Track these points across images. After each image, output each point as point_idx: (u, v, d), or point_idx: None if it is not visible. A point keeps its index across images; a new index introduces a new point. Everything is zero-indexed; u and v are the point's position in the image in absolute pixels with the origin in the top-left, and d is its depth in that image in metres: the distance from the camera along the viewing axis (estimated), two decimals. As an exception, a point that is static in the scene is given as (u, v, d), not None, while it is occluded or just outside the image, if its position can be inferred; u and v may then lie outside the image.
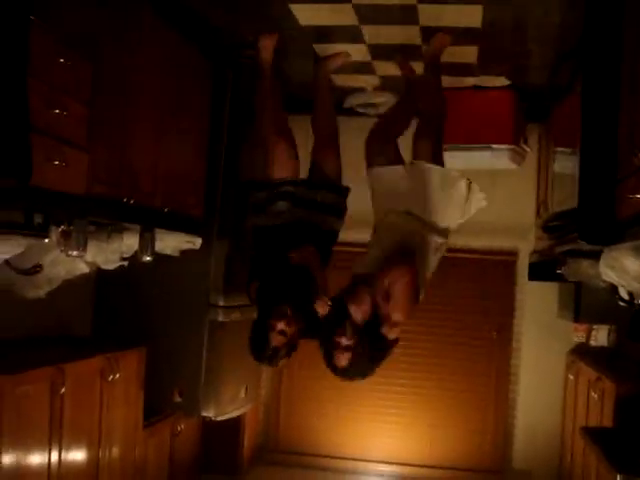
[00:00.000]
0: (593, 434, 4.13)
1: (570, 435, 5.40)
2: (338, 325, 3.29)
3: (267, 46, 4.37)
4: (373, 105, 5.72)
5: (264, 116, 4.21)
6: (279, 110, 4.34)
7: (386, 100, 5.59)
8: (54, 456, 3.73)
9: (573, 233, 3.66)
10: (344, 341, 3.28)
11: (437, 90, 4.23)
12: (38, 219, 3.27)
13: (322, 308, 3.47)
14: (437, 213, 3.71)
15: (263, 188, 4.05)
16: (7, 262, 3.53)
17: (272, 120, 4.22)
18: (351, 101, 5.73)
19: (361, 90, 5.66)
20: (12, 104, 2.75)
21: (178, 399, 4.89)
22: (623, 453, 3.60)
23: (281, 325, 3.47)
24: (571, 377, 5.57)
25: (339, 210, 4.14)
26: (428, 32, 4.41)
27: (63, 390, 3.74)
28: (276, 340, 3.50)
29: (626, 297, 4.19)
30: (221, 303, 4.89)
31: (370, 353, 3.33)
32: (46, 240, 3.39)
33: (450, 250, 5.98)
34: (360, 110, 5.79)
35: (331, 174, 4.20)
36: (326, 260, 3.92)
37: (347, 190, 4.19)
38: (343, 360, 3.33)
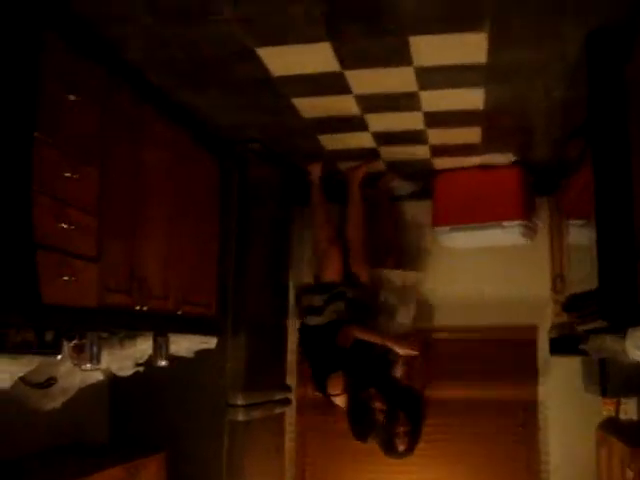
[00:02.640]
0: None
1: (607, 516, 5.21)
2: (394, 416, 4.22)
3: (316, 171, 5.37)
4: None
5: (318, 224, 5.18)
6: (331, 220, 5.25)
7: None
8: None
9: (594, 313, 3.58)
10: (402, 429, 4.22)
11: None
12: (49, 336, 3.21)
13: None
14: None
15: (320, 291, 4.94)
16: (21, 378, 3.47)
17: (325, 228, 5.13)
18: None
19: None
20: (17, 223, 2.73)
21: (202, 504, 4.75)
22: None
23: (379, 404, 4.30)
24: (603, 453, 5.40)
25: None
26: (431, 117, 4.43)
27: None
28: (380, 418, 4.28)
29: (654, 371, 4.10)
30: (240, 402, 4.77)
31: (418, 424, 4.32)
32: (58, 357, 3.32)
33: (466, 330, 5.99)
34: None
35: (367, 280, 5.12)
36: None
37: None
38: (404, 444, 4.27)
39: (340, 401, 4.53)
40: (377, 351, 4.78)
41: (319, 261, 5.05)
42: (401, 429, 4.26)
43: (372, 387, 4.37)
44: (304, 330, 4.95)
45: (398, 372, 4.87)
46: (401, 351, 4.69)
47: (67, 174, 3.10)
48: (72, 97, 3.13)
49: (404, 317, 5.57)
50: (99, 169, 3.39)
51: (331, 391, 4.56)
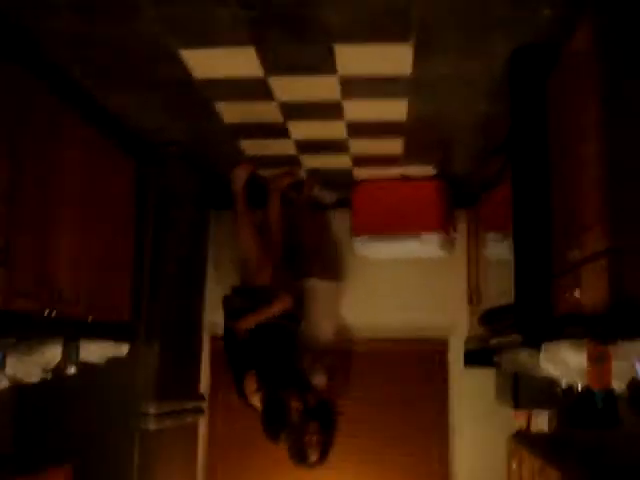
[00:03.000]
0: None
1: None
2: (308, 424, 4.25)
3: (241, 176, 5.04)
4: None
5: (246, 232, 4.97)
6: (255, 226, 5.09)
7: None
8: None
9: (510, 327, 3.61)
10: (315, 438, 4.24)
11: None
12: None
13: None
14: None
15: (245, 294, 4.89)
16: None
17: (253, 235, 4.97)
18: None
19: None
20: None
21: (109, 517, 4.61)
22: None
23: (296, 404, 4.29)
24: (514, 465, 5.47)
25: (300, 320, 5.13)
26: (353, 127, 4.42)
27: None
28: (295, 417, 4.26)
29: (565, 386, 4.16)
30: (152, 410, 4.66)
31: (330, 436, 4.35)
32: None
33: (379, 340, 6.01)
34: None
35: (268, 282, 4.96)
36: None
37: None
38: (315, 454, 4.27)
39: (256, 400, 4.47)
40: (297, 360, 4.82)
41: (248, 266, 4.97)
42: (314, 438, 4.26)
43: (292, 387, 4.39)
44: (225, 334, 4.88)
45: (320, 382, 4.92)
46: (275, 308, 4.74)
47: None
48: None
49: (325, 330, 5.58)
50: (9, 160, 3.25)
51: (246, 390, 4.51)
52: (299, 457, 4.30)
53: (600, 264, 2.55)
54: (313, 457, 4.29)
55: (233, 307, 4.90)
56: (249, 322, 4.70)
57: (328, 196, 5.80)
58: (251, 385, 4.47)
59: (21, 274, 3.40)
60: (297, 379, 4.58)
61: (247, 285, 4.98)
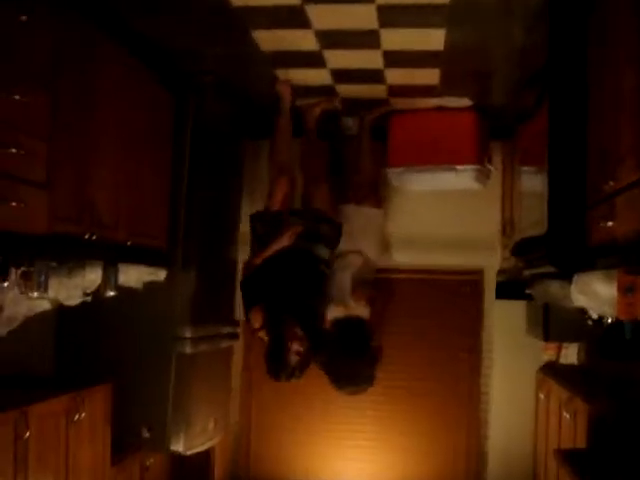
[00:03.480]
0: (566, 456, 4.10)
1: (543, 455, 5.37)
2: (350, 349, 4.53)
3: (286, 92, 5.01)
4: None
5: (276, 150, 4.96)
6: (289, 149, 5.04)
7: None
8: (19, 501, 3.61)
9: (542, 258, 3.63)
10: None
11: None
12: (-4, 261, 3.16)
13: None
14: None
15: (270, 219, 4.75)
16: (-34, 305, 3.43)
17: (282, 154, 4.95)
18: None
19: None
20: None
21: (146, 435, 4.77)
22: (597, 475, 3.57)
23: (296, 346, 4.12)
24: (542, 396, 5.56)
25: (334, 243, 4.84)
26: (390, 56, 4.39)
27: (28, 434, 3.63)
28: (294, 360, 4.12)
29: (595, 317, 4.19)
30: (188, 335, 4.78)
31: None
32: (5, 284, 3.28)
33: (415, 271, 6.06)
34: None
35: (325, 207, 4.88)
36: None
37: (341, 226, 4.90)
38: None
39: (263, 335, 4.44)
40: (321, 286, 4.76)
41: (269, 189, 4.95)
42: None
43: (297, 326, 4.24)
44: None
45: (363, 314, 4.99)
46: (285, 239, 4.58)
47: (16, 97, 3.01)
48: (24, 18, 3.02)
49: (371, 253, 5.55)
50: (50, 94, 3.30)
51: (252, 325, 4.49)
52: (337, 385, 4.51)
53: (634, 194, 2.56)
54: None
55: (257, 234, 4.85)
56: (258, 259, 4.63)
57: (351, 122, 5.76)
58: (256, 320, 4.41)
59: (63, 199, 3.49)
60: (307, 315, 4.41)
61: (266, 210, 4.94)
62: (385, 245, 5.84)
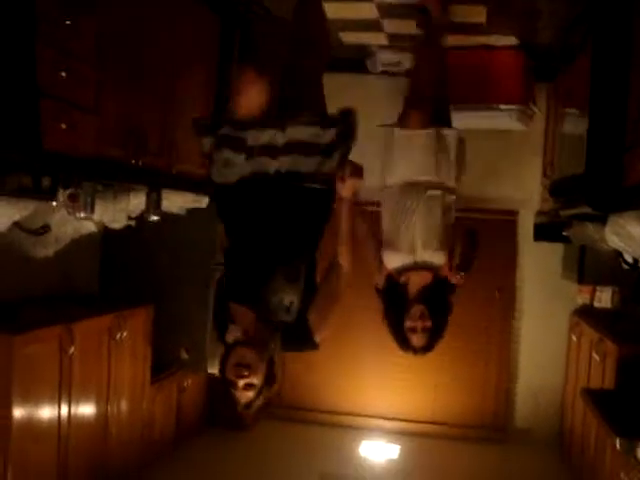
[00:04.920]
0: (594, 396, 4.15)
1: (571, 396, 5.45)
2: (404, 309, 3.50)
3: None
4: (397, 64, 5.70)
5: None
6: None
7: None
8: (64, 411, 3.81)
9: (579, 198, 3.66)
10: (420, 324, 3.49)
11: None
12: (46, 182, 3.28)
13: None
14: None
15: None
16: (16, 223, 3.56)
17: None
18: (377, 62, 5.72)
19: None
20: (22, 70, 2.75)
21: (185, 356, 4.94)
22: (623, 416, 3.63)
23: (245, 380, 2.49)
24: (574, 338, 5.61)
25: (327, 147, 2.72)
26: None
27: (72, 349, 3.80)
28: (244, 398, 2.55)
29: (630, 261, 4.21)
30: (227, 262, 4.89)
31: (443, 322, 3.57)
32: (54, 203, 3.40)
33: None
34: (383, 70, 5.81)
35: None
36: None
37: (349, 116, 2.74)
38: (422, 340, 3.54)
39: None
40: None
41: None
42: (419, 324, 3.51)
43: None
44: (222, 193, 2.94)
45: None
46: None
47: (67, 22, 3.09)
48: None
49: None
50: (97, 18, 3.36)
51: None
52: (403, 346, 3.64)
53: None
54: (421, 343, 3.56)
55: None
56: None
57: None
58: None
59: (111, 124, 3.58)
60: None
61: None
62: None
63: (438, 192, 3.74)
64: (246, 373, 2.44)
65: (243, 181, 2.71)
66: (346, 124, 2.71)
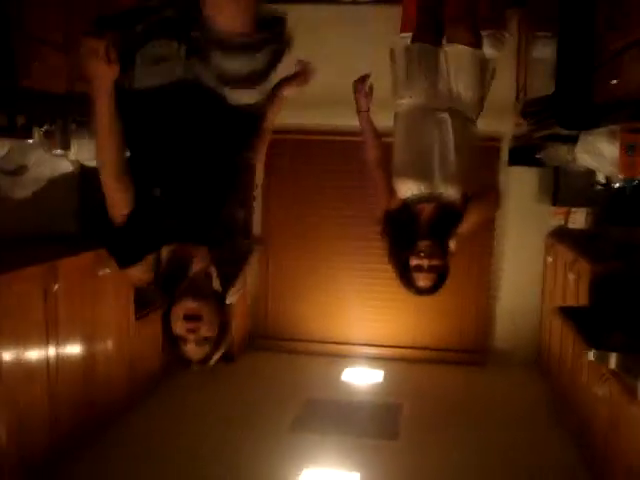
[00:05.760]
0: (569, 313, 4.26)
1: (549, 315, 5.57)
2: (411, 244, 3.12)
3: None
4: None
5: None
6: None
7: None
8: (51, 351, 3.85)
9: (551, 118, 3.70)
10: (426, 262, 3.14)
11: None
12: (21, 121, 3.28)
13: None
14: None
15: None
16: (-8, 164, 3.57)
17: None
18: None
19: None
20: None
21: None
22: (597, 330, 3.73)
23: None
24: (550, 259, 5.71)
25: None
26: None
27: (56, 287, 3.83)
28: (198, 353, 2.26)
29: (603, 181, 4.29)
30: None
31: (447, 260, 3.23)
32: (30, 141, 3.41)
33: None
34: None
35: None
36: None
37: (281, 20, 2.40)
38: (428, 281, 3.19)
39: None
40: None
41: None
42: (425, 262, 3.18)
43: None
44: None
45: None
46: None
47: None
48: None
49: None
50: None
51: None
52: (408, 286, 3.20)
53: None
54: (427, 283, 3.22)
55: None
56: None
57: None
58: None
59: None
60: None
61: None
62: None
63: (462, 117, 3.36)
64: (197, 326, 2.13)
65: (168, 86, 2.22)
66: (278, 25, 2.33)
